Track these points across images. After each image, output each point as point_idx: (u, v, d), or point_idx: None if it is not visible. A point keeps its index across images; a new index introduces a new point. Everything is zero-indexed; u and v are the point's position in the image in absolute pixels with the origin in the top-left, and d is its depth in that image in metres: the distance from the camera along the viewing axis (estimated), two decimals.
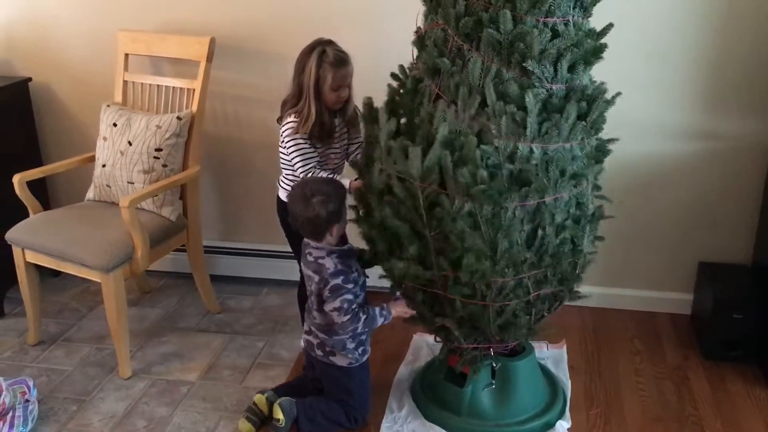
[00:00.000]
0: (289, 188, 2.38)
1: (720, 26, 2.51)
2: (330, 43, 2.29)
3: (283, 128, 2.32)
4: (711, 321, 2.51)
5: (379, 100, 2.14)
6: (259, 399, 2.26)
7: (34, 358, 2.65)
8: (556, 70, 1.80)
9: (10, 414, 2.20)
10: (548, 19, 1.80)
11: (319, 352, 2.20)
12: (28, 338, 2.73)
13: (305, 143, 2.30)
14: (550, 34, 1.79)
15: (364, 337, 2.19)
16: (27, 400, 2.27)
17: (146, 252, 2.46)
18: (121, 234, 2.44)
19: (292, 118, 2.29)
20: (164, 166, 2.61)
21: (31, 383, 2.32)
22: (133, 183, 2.62)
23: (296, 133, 2.29)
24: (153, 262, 2.57)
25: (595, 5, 1.90)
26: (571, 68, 1.82)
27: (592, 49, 1.84)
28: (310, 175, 2.29)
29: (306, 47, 2.28)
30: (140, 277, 3.07)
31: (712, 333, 2.53)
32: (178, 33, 2.79)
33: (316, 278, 2.10)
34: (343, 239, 2.22)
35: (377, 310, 2.12)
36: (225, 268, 3.15)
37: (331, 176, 2.28)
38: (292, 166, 2.33)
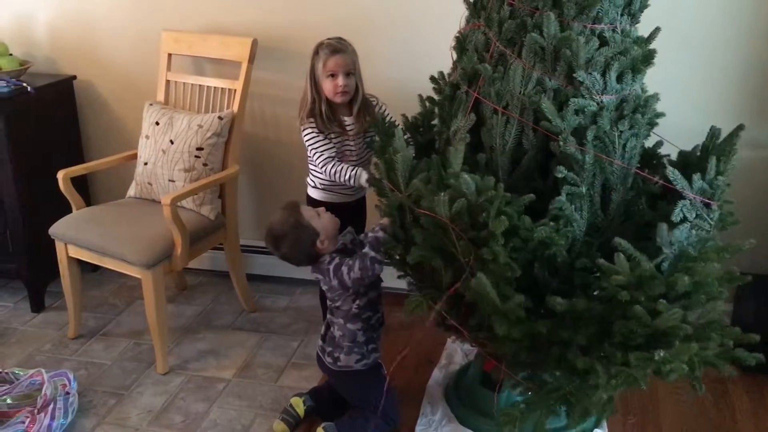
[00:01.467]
0: (314, 186, 2.52)
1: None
2: (335, 38, 2.38)
3: (299, 125, 2.44)
4: (752, 333, 2.46)
5: (414, 107, 2.16)
6: (296, 401, 2.27)
7: (73, 352, 2.69)
8: (605, 81, 1.77)
9: (51, 406, 2.23)
10: (596, 25, 1.79)
11: (328, 359, 2.18)
12: (68, 332, 2.78)
13: (318, 135, 2.38)
14: (598, 42, 1.77)
15: (376, 334, 2.18)
16: (67, 393, 2.32)
17: (186, 249, 2.49)
18: (162, 231, 2.48)
19: (303, 114, 2.42)
20: (205, 165, 2.65)
21: (71, 376, 2.37)
22: (174, 181, 2.66)
23: (305, 125, 2.39)
24: (192, 259, 2.60)
25: (643, 11, 1.89)
26: (619, 78, 1.79)
27: (642, 56, 1.81)
28: (330, 167, 2.36)
29: None
30: (177, 275, 3.10)
31: (753, 346, 2.48)
32: (220, 34, 2.83)
33: (321, 277, 2.09)
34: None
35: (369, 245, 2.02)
36: (260, 267, 3.16)
37: (352, 167, 2.35)
38: (313, 159, 2.42)
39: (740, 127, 1.91)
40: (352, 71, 2.36)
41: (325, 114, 2.37)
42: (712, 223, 1.78)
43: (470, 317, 1.93)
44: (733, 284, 1.71)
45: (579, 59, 1.75)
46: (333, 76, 2.33)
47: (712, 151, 1.90)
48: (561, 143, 1.76)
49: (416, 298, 1.95)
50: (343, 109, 2.42)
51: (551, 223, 1.74)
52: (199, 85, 2.83)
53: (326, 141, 2.39)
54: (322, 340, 2.23)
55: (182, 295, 3.12)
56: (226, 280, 3.06)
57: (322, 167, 2.39)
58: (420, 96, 2.14)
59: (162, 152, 2.68)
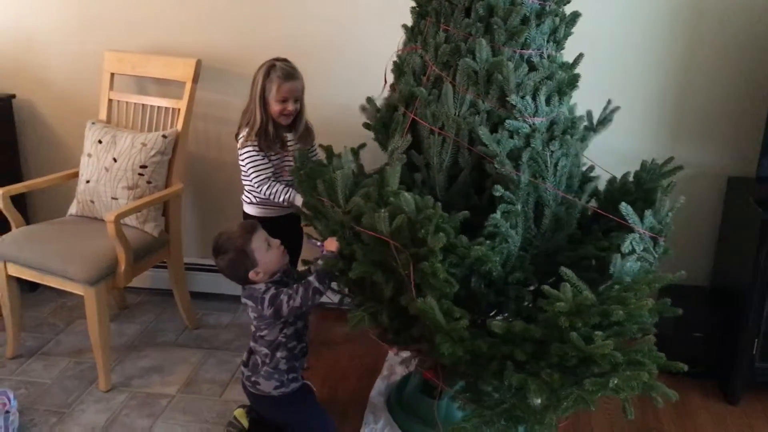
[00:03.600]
0: (250, 201, 2.58)
1: (681, 60, 2.67)
2: (283, 60, 2.45)
3: (238, 142, 2.48)
4: (673, 339, 2.63)
5: (353, 129, 2.23)
6: (240, 413, 2.31)
7: (12, 371, 2.66)
8: (535, 104, 1.89)
9: None
10: (524, 51, 1.92)
11: (248, 383, 2.18)
12: (6, 351, 2.74)
13: (258, 154, 2.44)
14: (527, 67, 1.90)
15: (298, 363, 2.17)
16: (7, 412, 2.29)
17: (130, 266, 2.51)
18: (105, 248, 2.49)
19: (245, 131, 2.46)
20: (148, 182, 2.68)
21: (11, 395, 2.34)
22: (117, 199, 2.67)
23: (247, 143, 2.44)
24: (135, 276, 2.61)
25: (567, 38, 2.03)
26: (548, 100, 1.92)
27: (568, 79, 1.96)
28: (266, 188, 2.43)
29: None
30: (119, 293, 3.10)
31: (675, 350, 2.64)
32: (162, 54, 2.87)
33: (253, 305, 2.05)
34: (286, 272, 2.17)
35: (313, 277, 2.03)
36: (202, 285, 3.19)
37: (287, 190, 2.42)
38: (249, 178, 2.48)
39: (670, 160, 2.13)
40: (300, 97, 2.46)
41: (271, 134, 2.44)
42: (656, 256, 1.91)
43: (411, 328, 2.02)
44: (665, 314, 1.83)
45: (510, 83, 1.87)
46: (284, 101, 2.41)
47: (649, 182, 2.08)
48: (497, 165, 1.87)
49: (358, 313, 2.02)
50: (285, 127, 2.50)
51: (487, 242, 1.85)
52: (142, 105, 2.86)
53: (265, 161, 2.46)
54: (244, 366, 2.20)
55: (123, 314, 3.11)
56: (167, 298, 3.07)
57: (258, 187, 2.46)
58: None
59: (105, 170, 2.70)
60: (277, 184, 2.46)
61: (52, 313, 3.11)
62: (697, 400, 2.56)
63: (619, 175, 2.23)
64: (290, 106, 2.42)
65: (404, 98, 2.04)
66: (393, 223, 1.79)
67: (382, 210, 1.80)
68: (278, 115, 2.43)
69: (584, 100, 2.14)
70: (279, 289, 2.03)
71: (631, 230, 1.90)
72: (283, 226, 2.40)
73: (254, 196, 2.56)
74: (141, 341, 2.90)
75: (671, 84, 2.71)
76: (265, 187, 2.44)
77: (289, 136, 2.51)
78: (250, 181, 2.48)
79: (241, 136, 2.48)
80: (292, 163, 2.49)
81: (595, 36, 2.57)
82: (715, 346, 2.63)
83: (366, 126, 2.18)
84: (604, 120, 2.08)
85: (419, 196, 1.84)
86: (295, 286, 2.03)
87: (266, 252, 2.05)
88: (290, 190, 2.43)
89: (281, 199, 2.42)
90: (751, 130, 2.67)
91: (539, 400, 1.74)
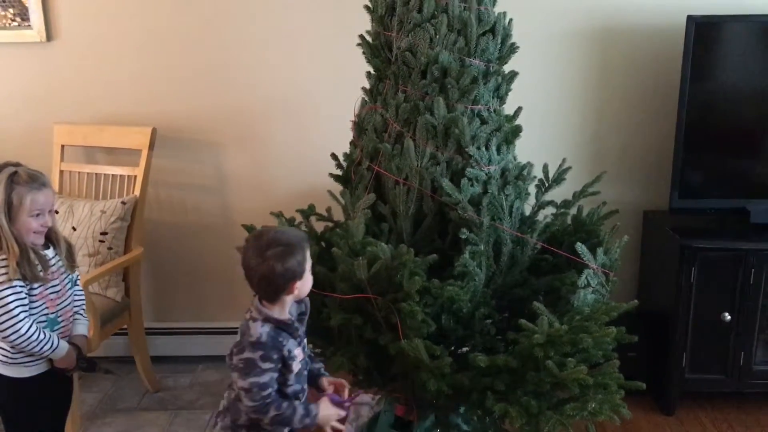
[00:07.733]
0: (8, 360, 1.96)
1: (595, 108, 3.03)
2: (18, 165, 1.93)
3: None
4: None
5: (313, 191, 2.37)
6: None
7: None
8: (489, 154, 2.10)
9: None
10: (474, 106, 2.17)
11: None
12: None
13: (23, 289, 1.90)
14: (479, 121, 2.14)
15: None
16: None
17: (98, 331, 2.54)
18: None
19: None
20: (109, 248, 2.73)
21: None
22: (78, 267, 2.70)
23: (9, 279, 1.86)
24: (101, 342, 2.64)
25: (507, 94, 2.30)
26: (498, 150, 2.15)
27: (512, 130, 2.21)
28: (35, 331, 1.90)
29: None
30: None
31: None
32: (113, 124, 2.95)
33: (238, 338, 1.77)
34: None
35: (300, 412, 1.78)
36: (158, 348, 3.21)
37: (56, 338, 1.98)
38: (8, 323, 1.87)
39: (604, 203, 2.39)
40: (53, 207, 2.01)
41: (32, 260, 1.91)
42: (608, 289, 2.15)
43: (389, 367, 2.17)
44: (623, 342, 2.04)
45: (466, 136, 2.09)
46: (38, 214, 1.92)
47: (589, 224, 2.29)
48: (460, 211, 2.07)
49: (338, 358, 2.16)
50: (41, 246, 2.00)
51: (457, 282, 2.03)
52: (95, 174, 2.92)
53: (27, 298, 1.92)
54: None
55: (77, 384, 3.07)
56: (120, 365, 3.08)
57: (24, 329, 1.88)
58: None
59: None
60: (42, 327, 1.96)
61: None
62: (637, 414, 2.80)
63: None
64: (48, 220, 1.95)
65: (369, 153, 2.23)
66: (371, 270, 1.95)
67: (360, 258, 1.97)
68: (35, 233, 1.93)
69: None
70: (269, 358, 1.73)
71: (579, 266, 2.13)
72: (55, 383, 2.07)
73: (11, 349, 1.95)
74: (102, 408, 2.90)
75: (588, 131, 3.05)
76: (33, 328, 1.90)
77: (48, 253, 2.01)
78: (10, 327, 1.87)
79: None
80: (58, 290, 2.04)
81: (522, 91, 2.86)
82: (647, 364, 2.90)
83: (336, 177, 2.35)
84: (558, 178, 2.32)
85: (390, 245, 2.02)
86: (294, 403, 1.79)
87: (308, 273, 1.79)
88: (56, 337, 1.98)
89: (47, 346, 1.94)
90: (661, 168, 3.02)
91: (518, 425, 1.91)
